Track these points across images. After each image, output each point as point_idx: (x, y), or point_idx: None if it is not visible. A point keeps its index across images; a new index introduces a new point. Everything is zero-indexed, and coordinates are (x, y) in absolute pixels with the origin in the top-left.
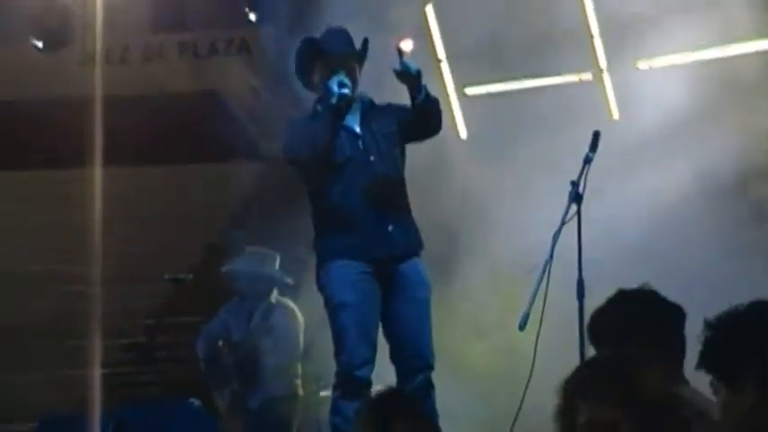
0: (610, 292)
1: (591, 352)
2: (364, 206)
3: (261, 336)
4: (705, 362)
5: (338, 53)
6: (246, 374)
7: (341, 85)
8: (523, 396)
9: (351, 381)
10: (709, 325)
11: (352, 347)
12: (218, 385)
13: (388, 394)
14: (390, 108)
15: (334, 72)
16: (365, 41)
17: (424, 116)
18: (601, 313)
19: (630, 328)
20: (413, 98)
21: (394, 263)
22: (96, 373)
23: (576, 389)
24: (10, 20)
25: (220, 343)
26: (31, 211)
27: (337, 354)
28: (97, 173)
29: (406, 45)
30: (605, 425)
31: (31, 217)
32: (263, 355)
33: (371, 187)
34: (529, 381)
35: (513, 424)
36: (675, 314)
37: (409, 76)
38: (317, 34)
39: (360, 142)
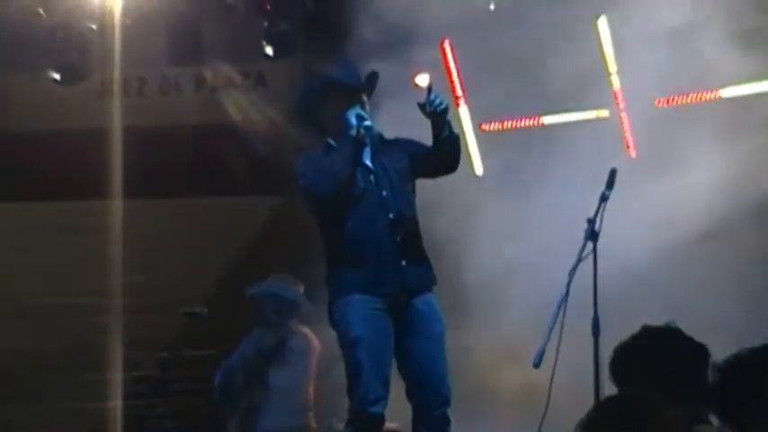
0: (621, 328)
1: (609, 387)
2: (377, 241)
3: (272, 357)
4: (712, 405)
5: (354, 86)
6: (256, 396)
7: (359, 117)
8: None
9: (364, 417)
10: (717, 368)
11: (366, 383)
12: (230, 411)
13: None
14: (400, 143)
15: (350, 105)
16: (374, 74)
17: (444, 153)
18: (624, 349)
19: (654, 365)
20: (436, 134)
21: (407, 298)
22: (111, 405)
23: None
24: (28, 52)
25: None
26: (47, 243)
27: (350, 389)
28: (115, 204)
29: (422, 80)
30: None
31: (48, 249)
32: (273, 376)
33: (384, 222)
34: (544, 417)
35: None
36: (700, 353)
37: (434, 112)
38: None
39: (372, 177)
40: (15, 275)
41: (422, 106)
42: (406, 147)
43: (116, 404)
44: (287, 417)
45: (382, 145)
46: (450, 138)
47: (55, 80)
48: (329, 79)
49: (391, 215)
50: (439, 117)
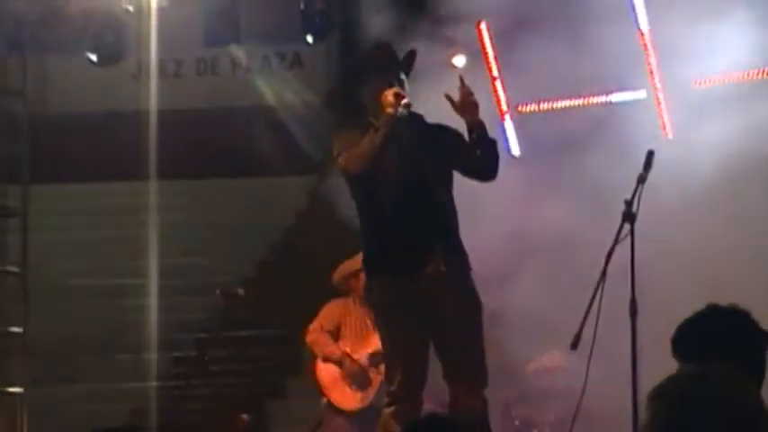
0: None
1: (645, 370)
2: (415, 222)
3: None
4: None
5: (392, 65)
6: None
7: (397, 95)
8: (575, 415)
9: (402, 400)
10: None
11: (403, 368)
12: None
13: (431, 421)
14: (443, 128)
15: (389, 84)
16: (412, 53)
17: (479, 157)
18: (690, 326)
19: (721, 344)
20: (470, 132)
21: (443, 280)
22: (149, 386)
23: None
24: (64, 33)
25: None
26: (85, 225)
27: (387, 373)
28: (152, 186)
29: (459, 60)
30: None
31: (86, 230)
32: None
33: (422, 203)
34: (581, 400)
35: None
36: (763, 339)
37: (464, 104)
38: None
39: (412, 157)
40: (56, 256)
41: (451, 99)
42: (449, 136)
43: (155, 384)
44: None
45: (423, 126)
46: (484, 140)
47: (91, 61)
48: (367, 59)
49: (428, 197)
50: (469, 112)
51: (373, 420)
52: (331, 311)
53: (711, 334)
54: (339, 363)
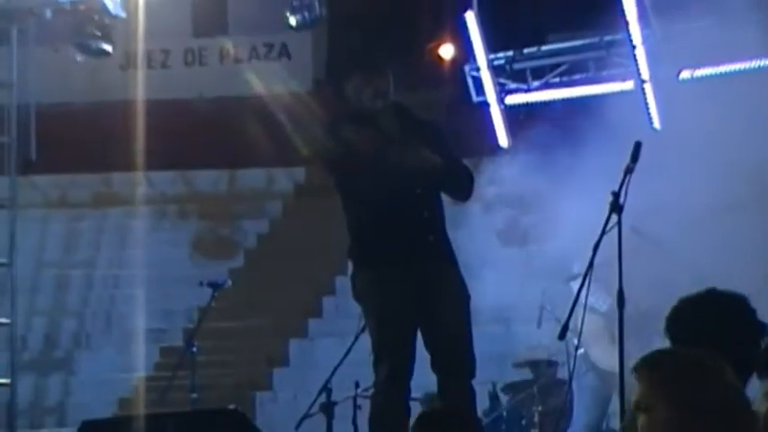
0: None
1: (633, 355)
2: (400, 213)
3: None
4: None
5: (376, 60)
6: None
7: (375, 93)
8: (565, 403)
9: (389, 390)
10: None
11: (390, 359)
12: None
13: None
14: (431, 126)
15: (372, 79)
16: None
17: (450, 181)
18: (685, 308)
19: (713, 330)
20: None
21: (431, 271)
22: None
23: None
24: (52, 24)
25: None
26: (73, 215)
27: (376, 363)
28: (139, 176)
29: (446, 51)
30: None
31: (73, 221)
32: None
33: (408, 195)
34: (569, 385)
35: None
36: (759, 329)
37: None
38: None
39: (396, 149)
40: (44, 247)
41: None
42: (435, 136)
43: (142, 375)
44: None
45: (409, 121)
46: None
47: (78, 53)
48: (353, 53)
49: (414, 189)
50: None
51: None
52: None
53: (704, 319)
54: None
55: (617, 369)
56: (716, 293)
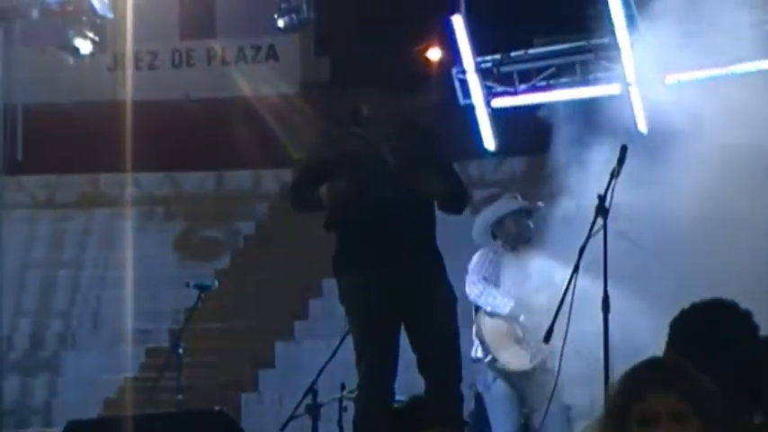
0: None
1: (617, 365)
2: (388, 217)
3: None
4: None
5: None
6: None
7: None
8: (548, 405)
9: (372, 393)
10: None
11: (374, 361)
12: None
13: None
14: (428, 133)
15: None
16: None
17: (448, 201)
18: (688, 318)
19: (718, 339)
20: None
21: (418, 273)
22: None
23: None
24: (41, 25)
25: None
26: (59, 216)
27: (359, 364)
28: (127, 177)
29: (434, 54)
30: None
31: (60, 221)
32: None
33: (395, 198)
34: (554, 391)
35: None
36: (758, 348)
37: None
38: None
39: (385, 154)
40: (30, 247)
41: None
42: (433, 146)
43: (128, 376)
44: None
45: (401, 122)
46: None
47: (68, 53)
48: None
49: (402, 194)
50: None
51: None
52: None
53: (704, 331)
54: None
55: (526, 367)
56: (721, 305)
